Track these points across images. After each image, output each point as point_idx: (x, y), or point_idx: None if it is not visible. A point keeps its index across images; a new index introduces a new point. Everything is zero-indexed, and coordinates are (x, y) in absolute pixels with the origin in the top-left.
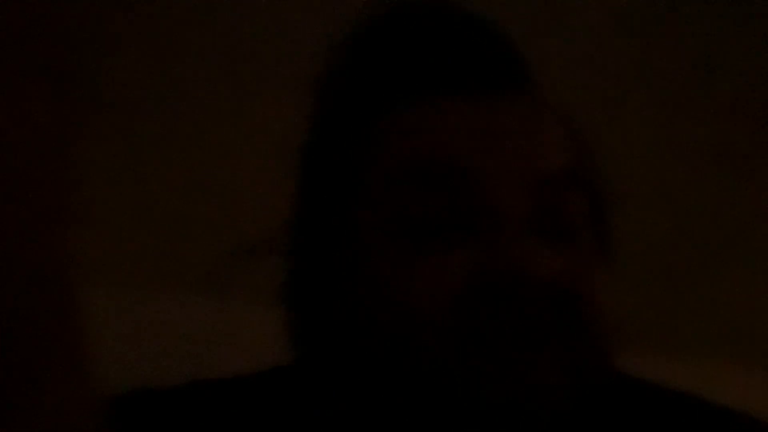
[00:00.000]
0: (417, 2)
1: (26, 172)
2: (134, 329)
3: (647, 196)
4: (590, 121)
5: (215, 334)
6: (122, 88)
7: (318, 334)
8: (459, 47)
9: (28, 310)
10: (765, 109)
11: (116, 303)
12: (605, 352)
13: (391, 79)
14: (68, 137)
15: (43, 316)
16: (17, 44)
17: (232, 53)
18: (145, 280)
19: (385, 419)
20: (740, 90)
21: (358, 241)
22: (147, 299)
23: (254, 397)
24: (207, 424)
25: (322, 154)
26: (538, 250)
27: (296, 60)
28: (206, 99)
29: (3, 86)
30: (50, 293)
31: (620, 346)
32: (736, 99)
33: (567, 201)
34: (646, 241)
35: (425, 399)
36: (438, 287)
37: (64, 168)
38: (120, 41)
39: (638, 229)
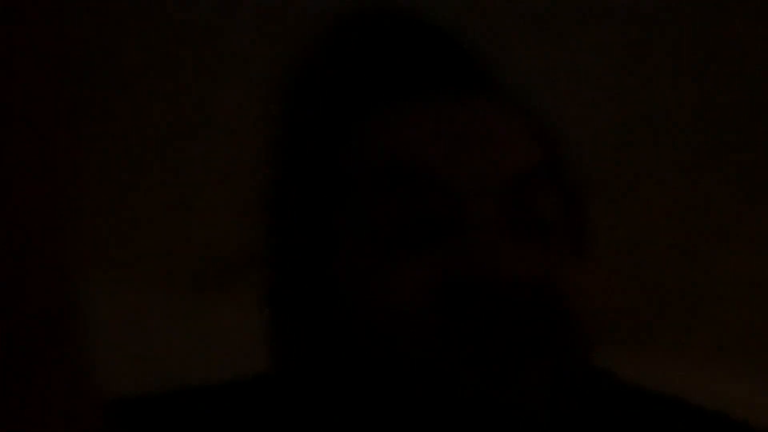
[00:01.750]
0: (381, 10)
1: (23, 171)
2: (128, 331)
3: (640, 193)
4: (588, 120)
5: (208, 337)
6: (120, 91)
7: (300, 340)
8: (421, 52)
9: (26, 310)
10: (764, 105)
11: (114, 305)
12: (586, 350)
13: (357, 86)
14: (66, 136)
15: (41, 317)
16: (17, 43)
17: (228, 61)
18: (140, 282)
19: (369, 424)
20: (736, 83)
21: (334, 247)
22: (142, 302)
23: (241, 403)
24: (196, 430)
25: (295, 161)
26: (510, 249)
27: (267, 68)
28: (204, 105)
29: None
30: (48, 295)
31: (603, 344)
32: (733, 93)
33: (538, 199)
34: (636, 239)
35: (408, 404)
36: (412, 291)
37: (61, 167)
38: (121, 42)
39: (628, 227)
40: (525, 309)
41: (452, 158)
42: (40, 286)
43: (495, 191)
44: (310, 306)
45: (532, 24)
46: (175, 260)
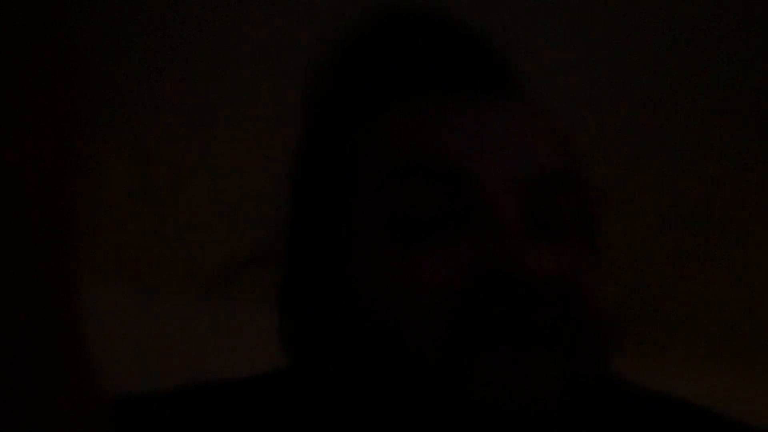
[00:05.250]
0: (410, 7)
1: (27, 174)
2: (136, 332)
3: (645, 197)
4: (585, 121)
5: (216, 338)
6: (127, 92)
7: (315, 336)
8: (450, 51)
9: (30, 311)
10: (764, 109)
11: (118, 306)
12: (602, 351)
13: (385, 81)
14: (71, 140)
15: (46, 318)
16: (16, 47)
17: (231, 60)
18: (147, 283)
19: (383, 421)
20: (736, 87)
21: (353, 242)
22: (149, 302)
23: (253, 400)
24: (205, 428)
25: (317, 157)
26: (534, 247)
27: (292, 64)
28: (210, 105)
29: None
30: (52, 295)
31: (616, 346)
32: (733, 97)
33: (560, 201)
34: (641, 243)
35: (422, 399)
36: (434, 286)
37: (66, 170)
38: (127, 47)
39: (634, 231)
40: (548, 306)
41: (480, 154)
42: (42, 287)
43: (521, 190)
44: (325, 301)
45: (532, 25)
46: (185, 260)
